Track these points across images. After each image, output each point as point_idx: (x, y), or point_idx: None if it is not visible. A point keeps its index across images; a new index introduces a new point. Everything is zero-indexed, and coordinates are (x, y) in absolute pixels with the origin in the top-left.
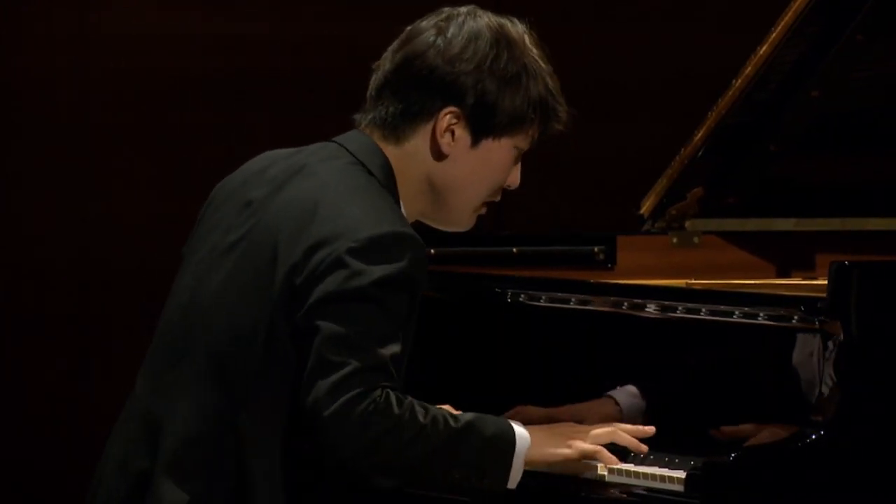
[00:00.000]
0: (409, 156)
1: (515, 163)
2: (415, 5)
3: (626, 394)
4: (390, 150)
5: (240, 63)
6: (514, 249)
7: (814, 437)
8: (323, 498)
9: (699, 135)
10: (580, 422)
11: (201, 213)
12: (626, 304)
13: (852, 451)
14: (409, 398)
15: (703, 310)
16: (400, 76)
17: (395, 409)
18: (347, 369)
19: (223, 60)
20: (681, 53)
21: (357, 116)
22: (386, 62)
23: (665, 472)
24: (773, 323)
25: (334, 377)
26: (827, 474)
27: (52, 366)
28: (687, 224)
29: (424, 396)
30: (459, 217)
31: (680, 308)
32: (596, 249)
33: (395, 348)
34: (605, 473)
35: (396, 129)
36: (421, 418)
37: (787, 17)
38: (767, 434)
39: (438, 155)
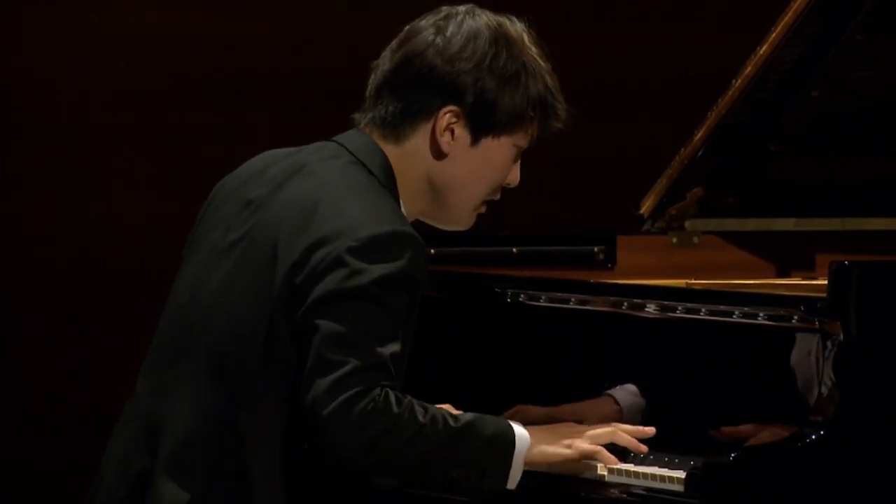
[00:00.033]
0: (409, 155)
1: (515, 161)
2: (415, 5)
3: (626, 392)
4: (390, 150)
5: (240, 63)
6: (514, 249)
7: (814, 437)
8: (323, 498)
9: (699, 135)
10: (580, 421)
11: (201, 213)
12: (625, 304)
13: (852, 451)
14: (409, 397)
15: (703, 310)
16: (399, 75)
17: (395, 408)
18: (346, 368)
19: (223, 60)
20: (681, 53)
21: (356, 116)
22: (385, 61)
23: (665, 472)
24: (773, 323)
25: (333, 376)
26: (827, 474)
27: (52, 366)
28: (687, 224)
29: (424, 396)
30: (459, 216)
31: (680, 308)
32: (596, 249)
33: (394, 347)
34: (605, 473)
35: (396, 128)
36: (420, 418)
37: (787, 17)
38: (767, 434)
39: (438, 154)
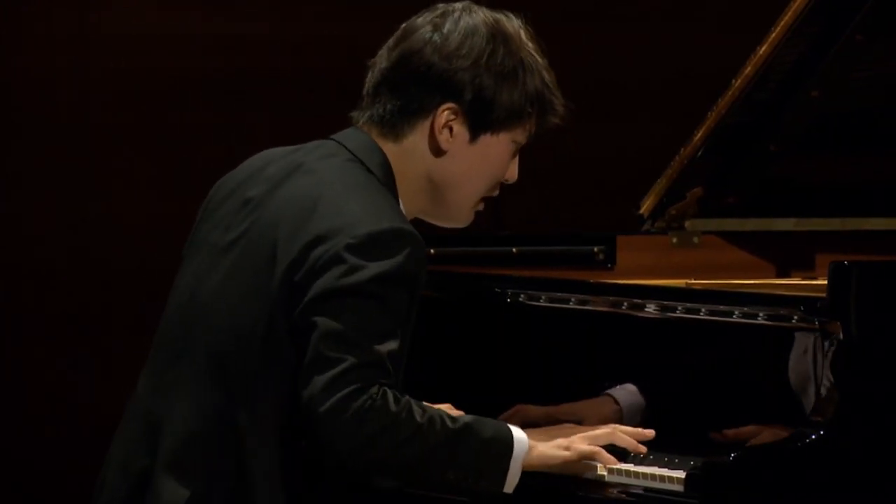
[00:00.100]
0: (408, 153)
1: (513, 157)
2: (415, 5)
3: (626, 392)
4: (388, 148)
5: (240, 63)
6: (514, 249)
7: (813, 437)
8: (323, 497)
9: (699, 135)
10: (580, 421)
11: (200, 213)
12: (625, 303)
13: (852, 451)
14: (407, 397)
15: (703, 310)
16: (397, 73)
17: (392, 407)
18: (344, 365)
19: (223, 60)
20: (681, 53)
21: (354, 114)
22: (382, 59)
23: (665, 471)
24: (773, 323)
25: (331, 373)
26: (827, 474)
27: (52, 366)
28: (687, 224)
29: (424, 396)
30: (458, 213)
31: (679, 308)
32: (596, 249)
33: (392, 345)
34: (605, 473)
35: (394, 126)
36: (418, 417)
37: (787, 17)
38: (767, 434)
39: (437, 151)
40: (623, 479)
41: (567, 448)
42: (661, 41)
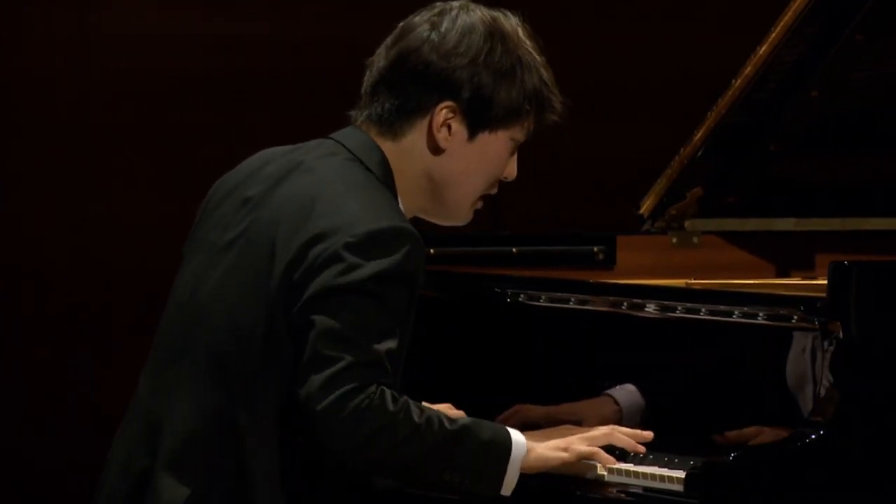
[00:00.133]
0: (407, 151)
1: (512, 155)
2: (415, 5)
3: (626, 392)
4: (387, 146)
5: (240, 63)
6: (514, 249)
7: (813, 437)
8: (323, 496)
9: (699, 135)
10: (580, 421)
11: (199, 212)
12: (625, 303)
13: (852, 451)
14: (405, 397)
15: (703, 310)
16: (395, 72)
17: (390, 407)
18: (341, 364)
19: (223, 60)
20: (681, 53)
21: (353, 113)
22: (380, 58)
23: (665, 471)
24: (773, 323)
25: (328, 372)
26: (827, 474)
27: (52, 366)
28: (686, 224)
29: (424, 396)
30: (458, 211)
31: (679, 308)
32: (596, 249)
33: (391, 344)
34: (605, 473)
35: (393, 125)
36: (416, 418)
37: (787, 17)
38: (767, 434)
39: (435, 149)
40: (623, 479)
41: (565, 449)
42: (661, 41)
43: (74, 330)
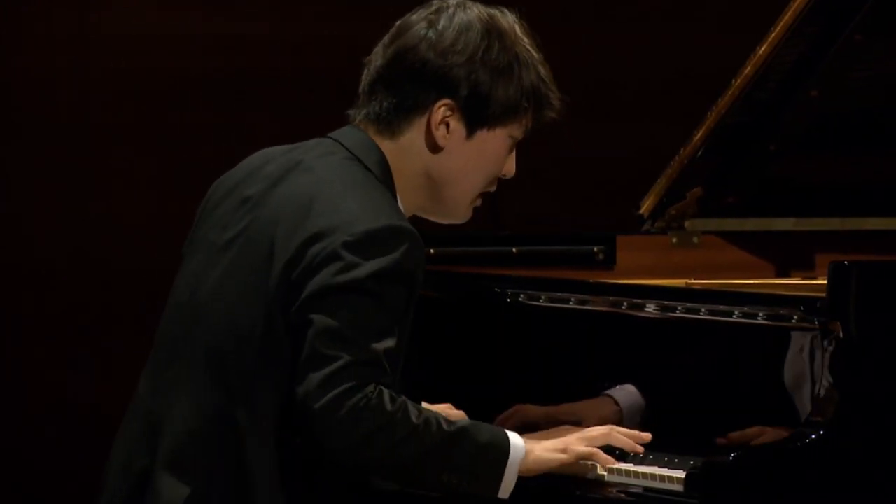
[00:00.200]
0: (405, 150)
1: (510, 152)
2: (414, 5)
3: (626, 393)
4: (386, 145)
5: (240, 63)
6: (514, 249)
7: (813, 437)
8: (322, 495)
9: (699, 135)
10: (579, 421)
11: (199, 212)
12: (625, 303)
13: (852, 451)
14: (403, 398)
15: (703, 310)
16: (392, 70)
17: (388, 407)
18: (339, 363)
19: (223, 60)
20: (681, 53)
21: (351, 112)
22: (377, 57)
23: (665, 471)
24: (773, 323)
25: (326, 370)
26: (827, 474)
27: (52, 366)
28: (686, 224)
29: (424, 396)
30: (457, 209)
31: (679, 308)
32: (596, 249)
33: (389, 343)
34: (605, 473)
35: (391, 123)
36: (414, 419)
37: (787, 17)
38: (767, 434)
39: (434, 148)
40: (623, 479)
41: (564, 450)
42: (661, 41)
43: (74, 330)
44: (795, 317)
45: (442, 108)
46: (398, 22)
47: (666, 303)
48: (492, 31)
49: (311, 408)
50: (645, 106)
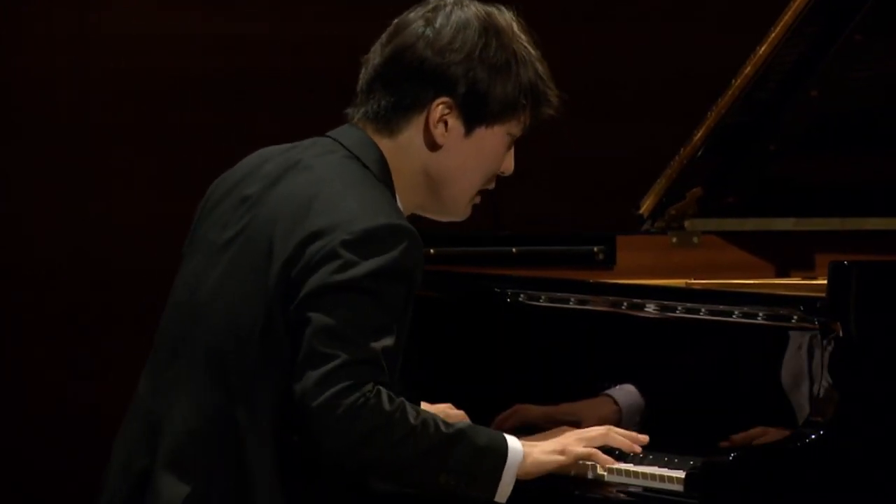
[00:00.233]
0: (403, 148)
1: (508, 149)
2: (414, 5)
3: (625, 393)
4: (384, 144)
5: (240, 63)
6: (514, 249)
7: (813, 437)
8: (322, 494)
9: (699, 135)
10: (579, 421)
11: (198, 211)
12: (625, 303)
13: (852, 451)
14: (402, 399)
15: (703, 309)
16: (390, 69)
17: (386, 407)
18: (337, 361)
19: (223, 60)
20: (681, 53)
21: (349, 111)
22: (375, 55)
23: (664, 471)
24: (773, 323)
25: (324, 369)
26: (827, 474)
27: (52, 366)
28: (686, 224)
29: (423, 395)
30: (456, 207)
31: (679, 308)
32: (596, 249)
33: (387, 341)
34: (605, 473)
35: (389, 122)
36: (412, 419)
37: (787, 17)
38: (767, 434)
39: (432, 146)
40: (623, 479)
41: (562, 452)
42: (661, 41)
43: (74, 330)
44: (795, 317)
45: (440, 106)
46: (395, 20)
47: (666, 303)
48: (489, 28)
49: (309, 406)
50: (645, 106)
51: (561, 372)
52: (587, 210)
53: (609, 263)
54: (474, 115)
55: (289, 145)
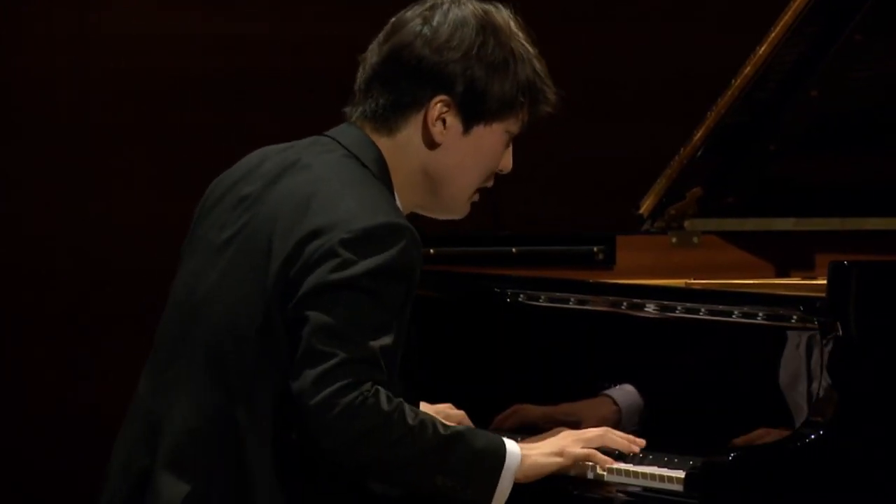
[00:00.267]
0: (402, 147)
1: (507, 147)
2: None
3: (624, 393)
4: (383, 142)
5: (240, 63)
6: (514, 249)
7: (813, 437)
8: (322, 494)
9: (698, 134)
10: (578, 421)
11: (197, 211)
12: (625, 303)
13: (852, 451)
14: (400, 399)
15: (702, 309)
16: (388, 67)
17: (385, 407)
18: (335, 360)
19: (223, 60)
20: (681, 53)
21: (347, 109)
22: (373, 54)
23: (664, 471)
24: (772, 323)
25: (322, 367)
26: (826, 474)
27: (52, 366)
28: (686, 224)
29: (424, 396)
30: (455, 205)
31: (679, 308)
32: (595, 249)
33: (386, 340)
34: (605, 473)
35: (388, 120)
36: (410, 420)
37: (787, 17)
38: (766, 434)
39: (431, 144)
40: (622, 479)
41: (560, 454)
42: (661, 41)
43: (74, 330)
44: (795, 317)
45: (438, 105)
46: (392, 19)
47: (665, 303)
48: (487, 26)
49: (307, 404)
50: (645, 106)
51: (560, 372)
52: (587, 210)
53: (609, 263)
54: (473, 113)
55: (286, 144)
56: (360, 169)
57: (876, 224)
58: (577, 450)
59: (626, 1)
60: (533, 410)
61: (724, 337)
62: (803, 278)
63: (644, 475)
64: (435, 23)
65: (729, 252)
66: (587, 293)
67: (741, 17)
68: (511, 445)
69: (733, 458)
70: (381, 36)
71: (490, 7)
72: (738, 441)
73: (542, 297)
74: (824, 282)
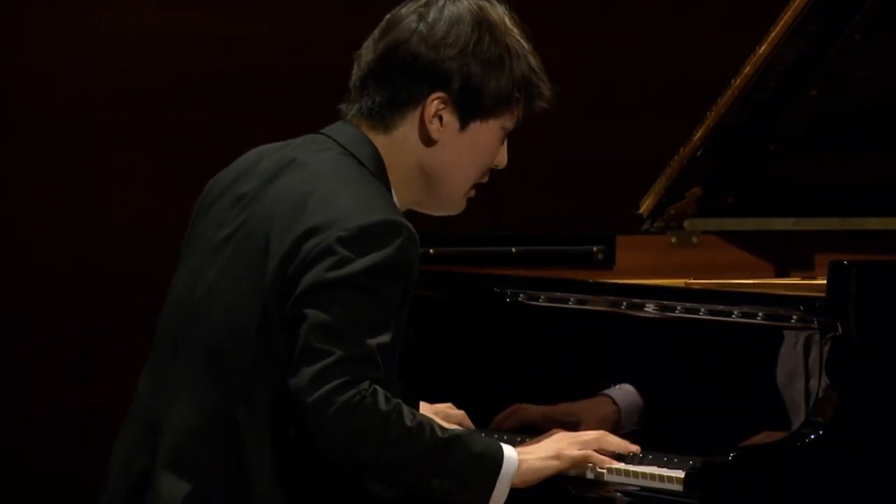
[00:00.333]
0: (398, 144)
1: (502, 143)
2: None
3: (624, 392)
4: (379, 140)
5: (240, 63)
6: (513, 249)
7: (813, 437)
8: (322, 493)
9: (698, 134)
10: (578, 421)
11: (195, 210)
12: (624, 303)
13: (852, 452)
14: (398, 400)
15: (702, 309)
16: (384, 65)
17: (382, 407)
18: (332, 358)
19: (223, 60)
20: (681, 53)
21: (343, 107)
22: (368, 51)
23: (664, 471)
24: (772, 322)
25: (319, 365)
26: (826, 474)
27: (52, 366)
28: (686, 224)
29: (424, 396)
30: (451, 201)
31: (678, 308)
32: (595, 249)
33: (384, 338)
34: (604, 473)
35: (384, 118)
36: (407, 421)
37: (787, 17)
38: (766, 434)
39: (427, 141)
40: (622, 479)
41: (557, 457)
42: (661, 41)
43: (74, 330)
44: (795, 317)
45: (435, 102)
46: (387, 16)
47: (665, 303)
48: (482, 23)
49: (304, 402)
50: (645, 106)
51: (560, 372)
52: (587, 210)
53: (608, 263)
54: (469, 109)
55: (283, 143)
56: (357, 166)
57: (876, 224)
58: (575, 452)
59: (626, 1)
60: (532, 410)
61: (724, 337)
62: (803, 278)
63: (644, 475)
64: (430, 19)
65: (728, 252)
66: (587, 293)
67: (741, 17)
68: (508, 450)
69: (733, 458)
70: (376, 33)
71: (485, 3)
72: (735, 439)
73: (542, 297)
74: (824, 282)
